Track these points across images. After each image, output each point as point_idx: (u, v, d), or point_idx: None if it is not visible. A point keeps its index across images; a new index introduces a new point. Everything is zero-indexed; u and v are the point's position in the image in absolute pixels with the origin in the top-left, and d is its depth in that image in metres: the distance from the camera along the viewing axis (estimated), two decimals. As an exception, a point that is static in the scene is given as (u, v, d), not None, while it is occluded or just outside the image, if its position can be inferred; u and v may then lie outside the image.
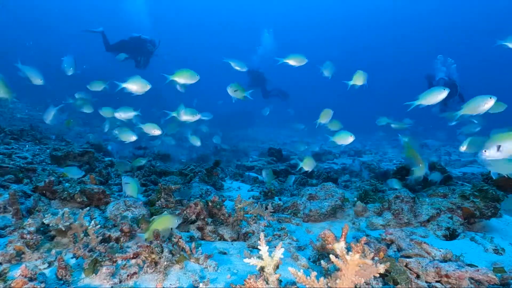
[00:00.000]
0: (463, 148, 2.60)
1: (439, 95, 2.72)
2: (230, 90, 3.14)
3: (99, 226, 1.68)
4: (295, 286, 1.29)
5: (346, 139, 3.16)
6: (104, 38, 8.14)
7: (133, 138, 3.33)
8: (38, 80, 3.17)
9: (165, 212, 2.10)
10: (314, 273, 1.11)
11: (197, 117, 3.11)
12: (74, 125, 4.18)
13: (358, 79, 3.42)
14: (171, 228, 1.76)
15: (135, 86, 3.06)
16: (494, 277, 1.47)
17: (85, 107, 3.89)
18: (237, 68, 3.77)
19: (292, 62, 3.53)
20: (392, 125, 5.03)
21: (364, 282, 1.10)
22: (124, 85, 3.03)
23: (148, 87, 3.10)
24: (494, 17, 29.79)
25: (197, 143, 4.40)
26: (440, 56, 6.83)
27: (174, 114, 3.16)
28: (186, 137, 5.23)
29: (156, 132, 3.35)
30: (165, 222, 1.74)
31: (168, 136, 5.40)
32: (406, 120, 5.30)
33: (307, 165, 3.32)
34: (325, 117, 3.58)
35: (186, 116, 3.11)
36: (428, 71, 7.44)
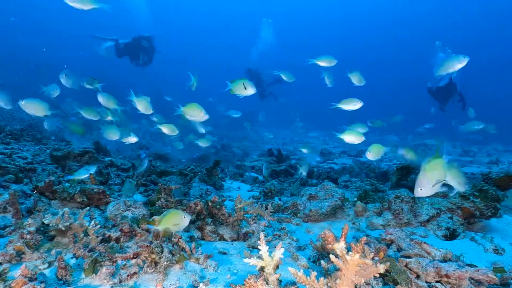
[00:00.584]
0: (368, 154, 2.74)
1: (458, 64, 2.80)
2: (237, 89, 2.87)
3: (99, 226, 1.68)
4: (295, 286, 1.29)
5: (357, 138, 3.00)
6: (117, 46, 8.19)
7: (134, 139, 3.34)
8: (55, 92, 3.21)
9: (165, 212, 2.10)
10: (314, 273, 1.11)
11: (205, 117, 2.93)
12: (83, 130, 4.10)
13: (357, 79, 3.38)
14: (178, 225, 1.75)
15: (140, 105, 3.15)
16: (494, 277, 1.47)
17: (92, 114, 3.80)
18: (285, 78, 3.85)
19: (322, 63, 3.44)
20: (369, 123, 4.98)
21: (364, 282, 1.10)
22: (134, 98, 3.11)
23: (150, 111, 3.18)
24: (495, 17, 29.79)
25: (206, 144, 4.39)
26: (438, 43, 6.75)
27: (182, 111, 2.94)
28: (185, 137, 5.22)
29: (174, 132, 3.41)
30: (176, 218, 1.74)
31: (177, 141, 5.39)
32: (397, 117, 5.26)
33: (304, 169, 3.28)
34: (347, 105, 3.19)
35: (193, 116, 2.90)
36: (429, 80, 7.52)
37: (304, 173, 3.24)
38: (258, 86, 10.51)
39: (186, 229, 2.19)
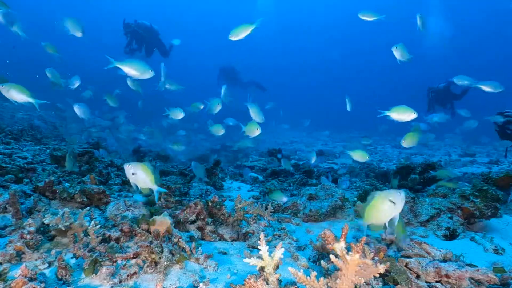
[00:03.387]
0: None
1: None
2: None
3: (99, 226, 1.68)
4: (295, 286, 1.29)
5: (363, 156, 3.32)
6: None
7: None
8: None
9: (165, 212, 2.10)
10: (314, 273, 1.11)
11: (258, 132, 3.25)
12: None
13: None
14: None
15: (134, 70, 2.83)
16: (494, 277, 1.47)
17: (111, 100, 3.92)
18: (489, 89, 4.02)
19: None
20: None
21: (364, 282, 1.10)
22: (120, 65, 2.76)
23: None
24: (495, 19, 29.73)
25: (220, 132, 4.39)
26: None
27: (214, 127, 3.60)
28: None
29: (220, 132, 3.71)
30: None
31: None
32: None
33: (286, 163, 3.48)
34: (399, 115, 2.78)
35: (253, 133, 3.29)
36: (430, 84, 7.65)
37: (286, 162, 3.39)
38: (236, 80, 10.78)
39: (186, 229, 2.20)
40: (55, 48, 4.11)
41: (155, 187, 1.83)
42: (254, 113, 3.37)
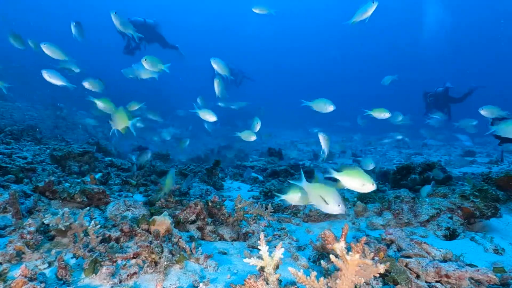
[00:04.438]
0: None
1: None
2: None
3: (99, 226, 1.68)
4: (295, 286, 1.29)
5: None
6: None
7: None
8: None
9: (165, 212, 2.10)
10: (314, 273, 1.11)
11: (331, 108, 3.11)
12: None
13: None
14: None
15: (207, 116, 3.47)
16: (494, 277, 1.47)
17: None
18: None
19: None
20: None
21: (364, 282, 1.10)
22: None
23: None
24: (496, 20, 29.70)
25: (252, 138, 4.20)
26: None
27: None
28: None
29: (252, 138, 3.56)
30: None
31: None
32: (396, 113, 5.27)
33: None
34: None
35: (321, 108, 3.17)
36: (426, 89, 7.85)
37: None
38: (232, 76, 10.96)
39: (186, 229, 2.19)
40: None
41: (129, 123, 2.27)
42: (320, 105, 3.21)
